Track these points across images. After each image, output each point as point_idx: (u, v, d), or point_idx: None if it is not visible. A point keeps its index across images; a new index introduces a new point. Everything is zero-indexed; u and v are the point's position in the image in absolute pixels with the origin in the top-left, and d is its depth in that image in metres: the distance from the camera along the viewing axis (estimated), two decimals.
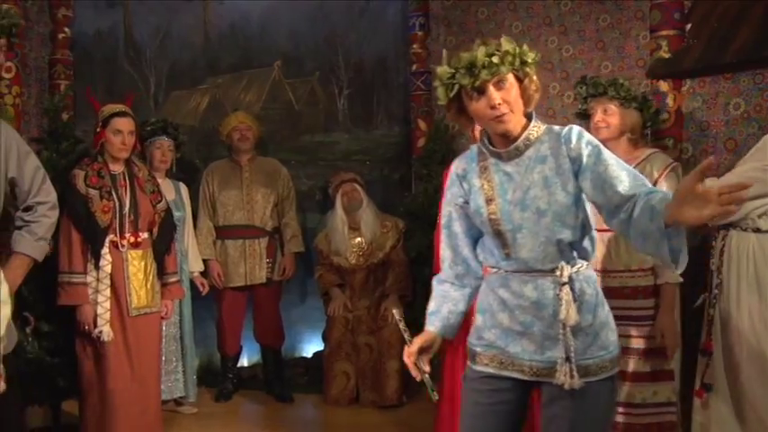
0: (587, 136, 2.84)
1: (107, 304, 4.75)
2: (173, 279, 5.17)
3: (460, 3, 6.91)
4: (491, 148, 2.91)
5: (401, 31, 7.36)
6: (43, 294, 4.85)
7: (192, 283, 6.31)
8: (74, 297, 4.72)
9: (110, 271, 4.78)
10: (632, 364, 4.36)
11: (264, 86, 7.83)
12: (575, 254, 2.87)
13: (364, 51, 7.77)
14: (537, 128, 2.88)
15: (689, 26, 5.18)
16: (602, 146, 2.82)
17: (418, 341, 2.95)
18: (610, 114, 4.42)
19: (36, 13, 6.65)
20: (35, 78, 6.71)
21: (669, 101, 5.12)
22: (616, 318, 4.32)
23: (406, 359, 2.93)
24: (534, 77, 2.85)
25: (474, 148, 3.05)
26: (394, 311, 3.19)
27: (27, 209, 3.89)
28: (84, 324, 4.73)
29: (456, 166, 3.06)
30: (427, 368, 2.93)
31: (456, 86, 2.80)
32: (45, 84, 6.76)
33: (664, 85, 5.15)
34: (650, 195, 2.52)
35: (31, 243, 3.87)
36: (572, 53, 6.27)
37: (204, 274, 6.46)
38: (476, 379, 2.98)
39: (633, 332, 4.34)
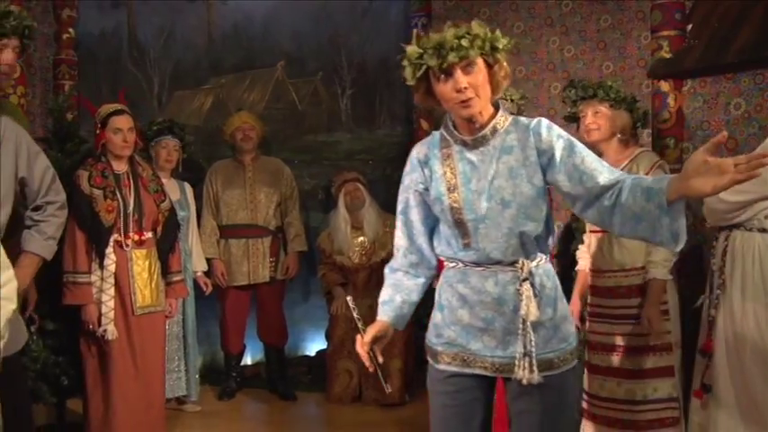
0: (557, 129, 2.83)
1: (111, 303, 4.76)
2: (177, 278, 5.17)
3: (462, 3, 6.93)
4: (456, 134, 2.85)
5: (403, 31, 7.33)
6: (48, 293, 4.86)
7: (195, 282, 6.31)
8: (79, 297, 4.73)
9: (114, 270, 4.78)
10: (631, 362, 4.37)
11: (268, 86, 7.85)
12: (536, 248, 2.83)
13: (367, 52, 7.79)
14: (504, 118, 2.84)
15: (690, 26, 5.19)
16: (573, 138, 2.81)
17: (372, 331, 2.90)
18: (600, 116, 4.42)
19: (40, 14, 6.68)
20: (40, 78, 6.73)
21: (670, 101, 5.13)
22: (612, 317, 4.37)
23: (359, 349, 2.88)
24: (505, 64, 2.78)
25: (436, 134, 2.97)
26: (348, 299, 3.12)
27: (36, 208, 3.90)
28: (88, 323, 4.73)
29: (417, 152, 2.98)
30: (381, 358, 2.89)
31: (423, 67, 2.73)
32: (49, 84, 6.79)
33: (665, 86, 5.16)
34: (637, 180, 2.57)
35: (41, 242, 3.87)
36: (573, 53, 6.28)
37: (208, 273, 6.47)
38: (441, 380, 2.94)
39: (630, 330, 4.36)
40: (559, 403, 2.89)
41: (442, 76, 2.71)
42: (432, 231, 3.01)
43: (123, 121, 4.87)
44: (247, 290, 6.65)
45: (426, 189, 2.93)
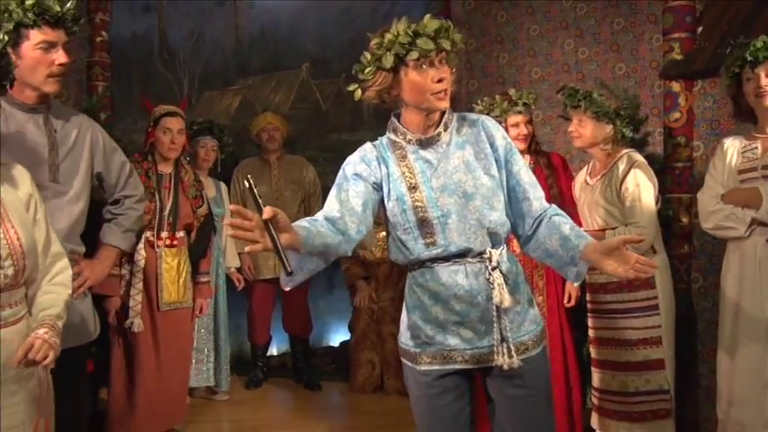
0: (502, 129, 2.94)
1: (139, 297, 4.82)
2: (204, 279, 5.23)
3: (481, 6, 6.94)
4: (409, 134, 2.83)
5: None
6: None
7: (227, 276, 6.39)
8: (106, 287, 4.69)
9: (143, 266, 4.85)
10: (625, 355, 4.42)
11: (293, 87, 7.92)
12: (501, 236, 2.84)
13: None
14: (451, 116, 2.88)
15: (700, 29, 5.19)
16: (513, 144, 2.93)
17: (273, 210, 2.30)
18: (583, 126, 4.51)
19: None
20: (74, 80, 6.75)
21: (681, 101, 5.14)
22: (617, 311, 4.42)
23: (265, 215, 2.26)
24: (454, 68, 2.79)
25: (381, 140, 2.93)
26: (246, 180, 2.39)
27: (115, 202, 3.98)
28: (109, 314, 4.79)
29: (369, 150, 2.90)
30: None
31: (410, 53, 2.67)
32: (83, 85, 6.81)
33: (676, 86, 5.16)
34: (556, 219, 2.81)
35: (119, 235, 3.95)
36: (587, 55, 6.31)
37: (239, 269, 6.53)
38: (425, 383, 2.88)
39: (633, 324, 4.40)
40: (544, 382, 2.93)
41: (424, 65, 2.69)
42: (366, 218, 2.81)
43: (174, 123, 4.96)
44: (273, 283, 6.64)
45: (379, 186, 2.86)
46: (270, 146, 6.75)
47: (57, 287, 2.81)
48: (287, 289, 2.59)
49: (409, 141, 2.85)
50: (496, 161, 2.85)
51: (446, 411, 2.89)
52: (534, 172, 4.57)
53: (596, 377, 4.58)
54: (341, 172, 2.89)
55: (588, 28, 6.30)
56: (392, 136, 2.90)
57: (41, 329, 2.62)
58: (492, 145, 2.86)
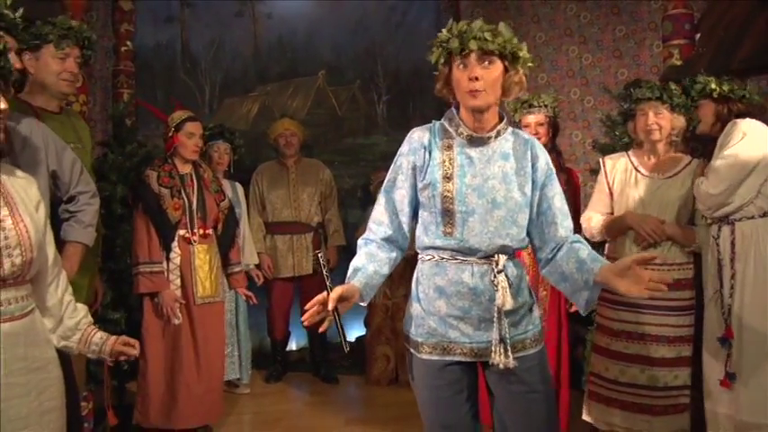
0: (548, 155, 3.01)
1: (177, 292, 4.89)
2: (237, 269, 5.31)
3: (488, 15, 6.95)
4: (462, 128, 2.89)
5: None
6: (110, 285, 4.98)
7: (247, 274, 6.36)
8: (157, 284, 4.83)
9: (179, 263, 4.92)
10: (662, 351, 4.39)
11: (310, 93, 7.97)
12: (513, 249, 2.91)
13: (401, 61, 7.93)
14: (505, 126, 2.92)
15: (698, 36, 5.24)
16: (554, 171, 3.00)
17: (340, 290, 2.71)
18: (661, 118, 4.38)
19: (101, 28, 6.77)
20: (100, 87, 6.83)
21: None
22: (655, 308, 4.35)
23: (330, 305, 2.66)
24: (521, 73, 2.85)
25: (436, 124, 2.99)
26: (319, 254, 2.93)
27: (70, 200, 3.84)
28: (167, 307, 4.83)
29: (419, 135, 2.97)
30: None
31: (446, 52, 2.81)
32: (109, 92, 6.88)
33: None
34: (576, 245, 2.88)
35: (81, 231, 3.83)
36: (591, 61, 6.37)
37: (258, 266, 6.58)
38: (430, 373, 2.92)
39: (670, 321, 4.37)
40: (542, 380, 2.96)
41: (461, 64, 2.79)
42: (414, 213, 3.00)
43: (196, 127, 5.04)
44: (292, 281, 6.75)
45: (421, 171, 2.93)
46: (287, 151, 6.79)
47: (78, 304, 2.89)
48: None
49: (460, 135, 2.90)
50: (533, 182, 2.91)
51: (448, 401, 2.93)
52: None
53: (616, 369, 4.49)
54: (393, 165, 3.01)
55: (591, 35, 6.37)
56: (446, 124, 2.95)
57: (100, 332, 2.85)
58: (534, 165, 2.92)
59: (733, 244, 4.07)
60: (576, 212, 4.81)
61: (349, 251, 7.09)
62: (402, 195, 2.96)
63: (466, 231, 2.83)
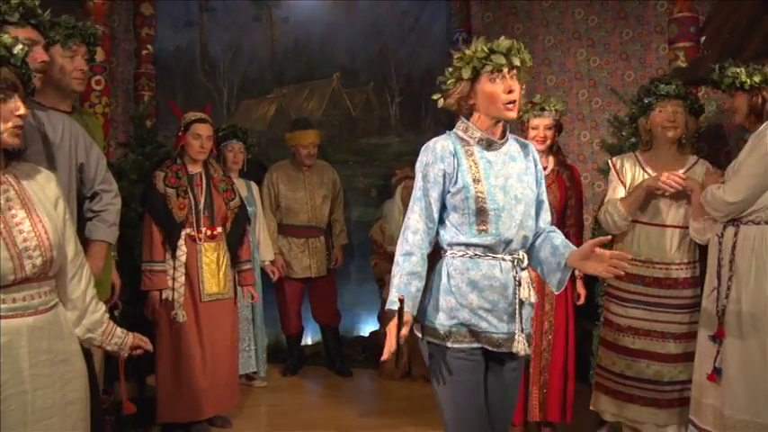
0: (539, 158, 3.29)
1: (182, 290, 4.95)
2: (246, 267, 5.33)
3: (499, 19, 7.05)
4: (478, 134, 3.05)
5: (446, 45, 7.45)
6: (128, 281, 5.02)
7: (262, 270, 6.46)
8: (155, 283, 4.93)
9: (185, 261, 4.97)
10: (668, 347, 4.45)
11: (325, 95, 8.00)
12: (529, 240, 3.14)
13: (413, 63, 7.96)
14: (508, 132, 3.15)
15: (703, 39, 5.23)
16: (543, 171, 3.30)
17: (407, 327, 2.88)
18: (680, 116, 4.44)
19: (122, 32, 6.79)
20: (122, 90, 6.84)
21: None
22: (660, 305, 4.44)
23: (402, 341, 2.88)
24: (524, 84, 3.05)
25: (450, 134, 3.11)
26: (399, 301, 2.88)
27: (93, 197, 3.84)
28: (150, 305, 4.95)
29: (443, 145, 3.04)
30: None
31: (485, 66, 2.94)
32: (131, 95, 6.90)
33: None
34: (551, 234, 3.17)
35: (105, 229, 3.83)
36: (599, 63, 6.38)
37: (273, 263, 6.60)
38: (461, 358, 3.02)
39: (677, 319, 4.43)
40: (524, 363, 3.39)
41: (498, 78, 2.94)
42: (440, 219, 3.10)
43: (204, 129, 5.09)
44: (303, 280, 6.78)
45: (451, 177, 3.03)
46: (308, 161, 6.80)
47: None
48: None
49: (477, 141, 3.07)
50: (536, 181, 3.18)
51: (474, 384, 3.06)
52: (557, 181, 4.67)
53: (623, 364, 4.54)
54: (422, 176, 3.08)
55: (599, 38, 6.38)
56: (461, 133, 3.11)
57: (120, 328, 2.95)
58: (535, 167, 3.21)
59: (734, 246, 4.05)
60: (579, 206, 4.97)
61: (364, 248, 7.16)
62: (435, 202, 3.06)
63: (500, 226, 3.00)
